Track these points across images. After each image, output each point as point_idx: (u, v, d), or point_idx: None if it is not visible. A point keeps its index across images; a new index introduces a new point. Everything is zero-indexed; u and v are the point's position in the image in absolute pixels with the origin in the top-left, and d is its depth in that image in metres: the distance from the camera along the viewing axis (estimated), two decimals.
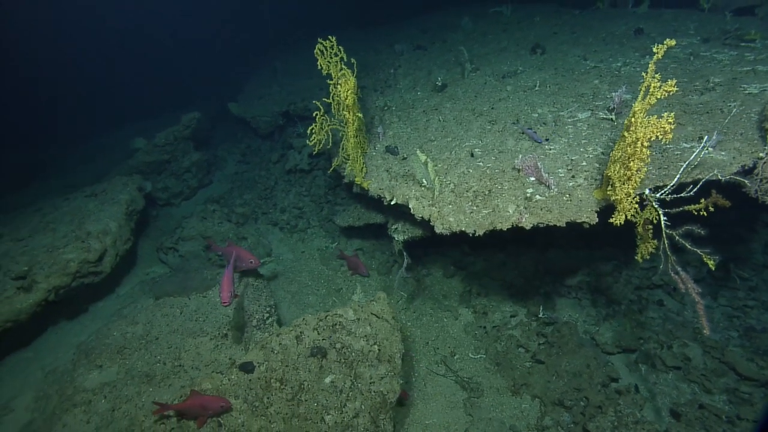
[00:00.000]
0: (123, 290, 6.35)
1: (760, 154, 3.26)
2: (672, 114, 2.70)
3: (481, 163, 4.47)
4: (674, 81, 2.81)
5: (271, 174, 9.23)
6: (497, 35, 8.55)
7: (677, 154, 3.66)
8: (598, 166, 3.88)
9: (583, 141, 4.30)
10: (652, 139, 2.76)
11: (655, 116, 2.79)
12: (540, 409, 4.78)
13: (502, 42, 8.00)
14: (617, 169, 3.04)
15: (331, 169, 5.52)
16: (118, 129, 12.98)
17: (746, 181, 2.84)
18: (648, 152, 2.80)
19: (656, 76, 3.02)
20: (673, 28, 6.33)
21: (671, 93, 2.81)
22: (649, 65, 3.05)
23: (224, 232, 7.55)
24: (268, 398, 3.76)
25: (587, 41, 6.87)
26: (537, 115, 5.11)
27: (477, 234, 3.69)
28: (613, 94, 4.47)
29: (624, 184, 2.97)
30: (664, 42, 2.95)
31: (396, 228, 5.38)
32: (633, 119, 2.95)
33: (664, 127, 2.67)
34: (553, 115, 5.00)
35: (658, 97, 2.89)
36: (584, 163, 3.98)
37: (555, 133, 4.59)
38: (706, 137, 3.25)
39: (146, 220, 8.41)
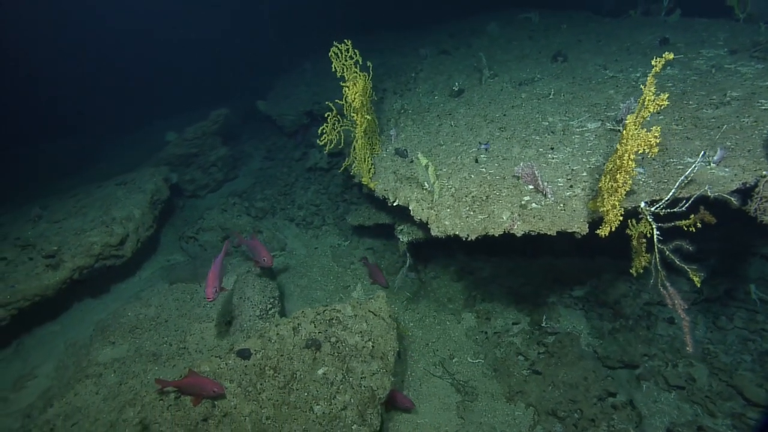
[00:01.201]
0: (144, 274, 6.73)
1: (763, 172, 3.17)
2: (658, 128, 2.68)
3: (483, 169, 4.51)
4: (666, 95, 2.79)
5: (293, 171, 9.51)
6: (522, 42, 8.49)
7: (679, 169, 3.60)
8: (597, 176, 3.85)
9: (588, 151, 4.28)
10: (639, 152, 2.75)
11: (644, 130, 2.78)
12: (533, 417, 4.76)
13: (525, 49, 7.95)
14: (607, 180, 3.04)
15: (342, 168, 5.68)
16: (166, 119, 13.54)
17: (732, 199, 2.78)
18: (634, 165, 2.79)
19: (652, 89, 3.00)
20: (701, 38, 6.13)
21: (663, 107, 2.79)
22: (648, 78, 3.03)
23: (242, 224, 7.86)
24: (261, 384, 3.95)
25: (610, 50, 6.75)
26: (547, 123, 5.09)
27: (470, 238, 3.75)
28: (622, 105, 4.41)
29: (611, 196, 2.96)
30: (663, 55, 2.94)
31: (402, 229, 5.48)
32: (625, 132, 2.94)
33: (649, 141, 2.66)
34: (563, 124, 4.97)
35: (651, 110, 2.87)
36: (584, 174, 3.96)
37: (561, 143, 4.58)
38: (702, 153, 3.19)
39: (172, 209, 8.86)
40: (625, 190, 2.88)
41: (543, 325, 5.63)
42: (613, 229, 3.07)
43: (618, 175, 2.86)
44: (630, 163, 2.79)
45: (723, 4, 6.77)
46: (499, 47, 8.56)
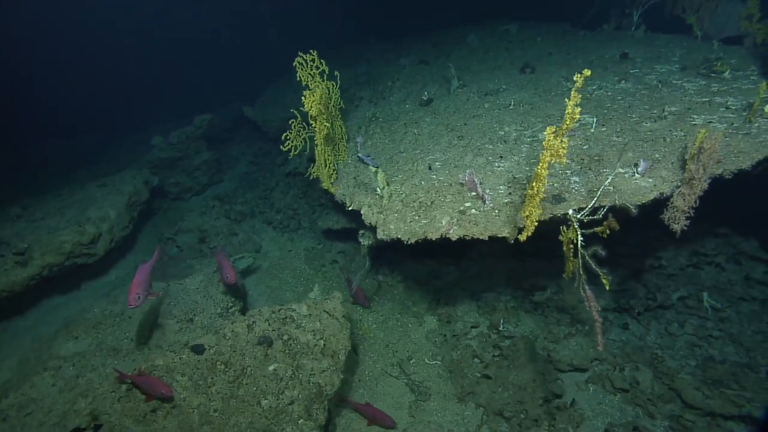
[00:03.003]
0: (119, 273, 6.91)
1: (678, 184, 3.36)
2: (566, 140, 2.88)
3: (434, 176, 4.70)
4: (579, 109, 2.99)
5: (274, 176, 9.71)
6: (498, 53, 8.72)
7: (610, 179, 3.78)
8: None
9: (532, 161, 4.47)
10: (551, 162, 2.94)
11: (558, 139, 2.97)
12: (481, 417, 4.91)
13: (499, 60, 8.18)
14: (529, 188, 3.23)
15: (308, 173, 5.88)
16: (173, 121, 13.61)
17: (632, 208, 2.96)
18: (546, 173, 2.98)
19: (574, 101, 3.18)
20: (659, 54, 6.35)
21: (576, 120, 2.99)
22: (572, 92, 3.22)
23: (220, 227, 8.05)
24: (211, 378, 4.12)
25: (576, 63, 6.98)
26: (503, 132, 5.29)
27: (410, 242, 3.94)
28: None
29: (529, 203, 3.15)
30: (582, 72, 3.13)
31: (363, 233, 5.66)
32: (545, 142, 3.13)
33: (558, 152, 2.85)
34: (517, 133, 5.17)
35: (568, 123, 3.07)
36: (525, 182, 4.15)
37: (510, 152, 4.78)
38: (618, 164, 3.38)
39: (155, 211, 9.06)
40: (539, 198, 3.07)
41: (500, 329, 5.80)
42: (530, 234, 3.25)
43: (534, 183, 3.05)
44: (544, 172, 2.98)
45: (684, 21, 7.00)
46: (476, 58, 8.79)
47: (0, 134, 11.83)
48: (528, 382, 5.04)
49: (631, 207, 2.95)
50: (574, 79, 3.18)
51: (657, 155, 3.89)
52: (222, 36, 17.98)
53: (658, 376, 5.00)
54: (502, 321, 5.83)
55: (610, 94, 5.47)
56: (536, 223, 3.18)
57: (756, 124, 3.89)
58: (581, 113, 5.10)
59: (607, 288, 3.04)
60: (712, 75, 5.06)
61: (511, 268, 6.46)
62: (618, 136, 4.43)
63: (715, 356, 5.20)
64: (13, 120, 13.00)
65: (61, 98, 15.05)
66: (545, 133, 3.13)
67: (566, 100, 3.22)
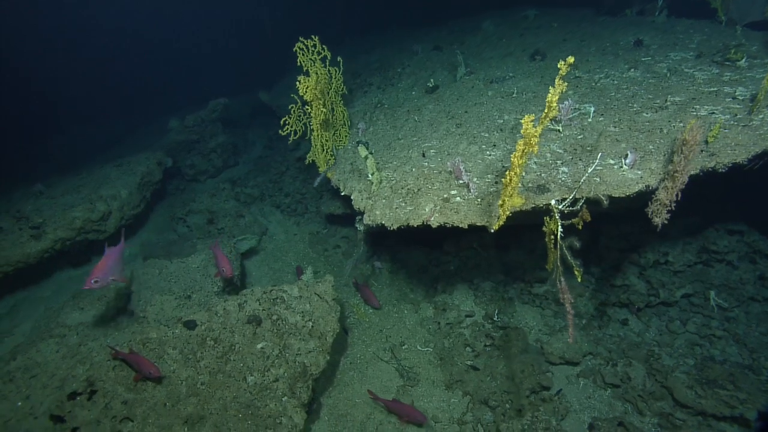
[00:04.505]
0: (134, 250, 7.21)
1: (663, 177, 3.25)
2: (539, 128, 2.82)
3: (426, 163, 4.69)
4: (557, 98, 2.92)
5: (285, 160, 9.84)
6: (511, 40, 8.50)
7: (598, 170, 3.69)
8: (524, 174, 3.98)
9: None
10: (525, 152, 2.90)
11: (535, 128, 2.91)
12: (467, 405, 4.94)
13: (512, 47, 7.98)
14: (504, 178, 3.19)
15: (308, 157, 5.95)
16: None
17: (604, 199, 2.88)
18: (521, 162, 2.93)
19: (558, 90, 3.11)
20: (675, 40, 6.05)
21: (555, 108, 2.92)
22: (556, 80, 3.15)
23: (228, 209, 8.27)
24: (201, 353, 4.29)
25: (589, 50, 6.73)
26: (502, 121, 5.20)
27: (393, 228, 3.96)
28: (560, 105, 4.49)
29: (504, 192, 3.12)
30: (567, 59, 3.05)
31: (360, 219, 5.71)
32: (523, 131, 3.08)
33: (530, 141, 2.80)
34: (516, 122, 5.08)
35: (547, 112, 3.01)
36: None
37: (504, 140, 4.70)
38: (600, 155, 3.29)
39: (171, 192, 9.37)
40: (512, 187, 3.02)
41: (495, 319, 5.78)
42: (502, 223, 3.22)
43: (508, 172, 3.01)
44: (518, 161, 2.93)
45: (710, 6, 6.63)
46: (489, 45, 8.60)
47: (26, 125, 12.52)
48: (516, 372, 5.02)
49: (603, 198, 2.87)
50: (558, 66, 3.11)
51: (651, 147, 3.75)
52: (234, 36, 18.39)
53: (652, 374, 4.89)
54: (497, 311, 5.81)
55: (616, 82, 5.27)
56: (509, 213, 3.14)
57: (760, 116, 3.69)
58: (582, 102, 5.00)
59: (579, 280, 2.99)
60: (726, 63, 4.80)
61: (512, 259, 6.41)
62: (615, 126, 4.29)
63: (716, 356, 5.05)
64: (38, 111, 13.68)
65: (83, 91, 15.65)
66: (522, 121, 3.08)
67: (550, 87, 3.15)
